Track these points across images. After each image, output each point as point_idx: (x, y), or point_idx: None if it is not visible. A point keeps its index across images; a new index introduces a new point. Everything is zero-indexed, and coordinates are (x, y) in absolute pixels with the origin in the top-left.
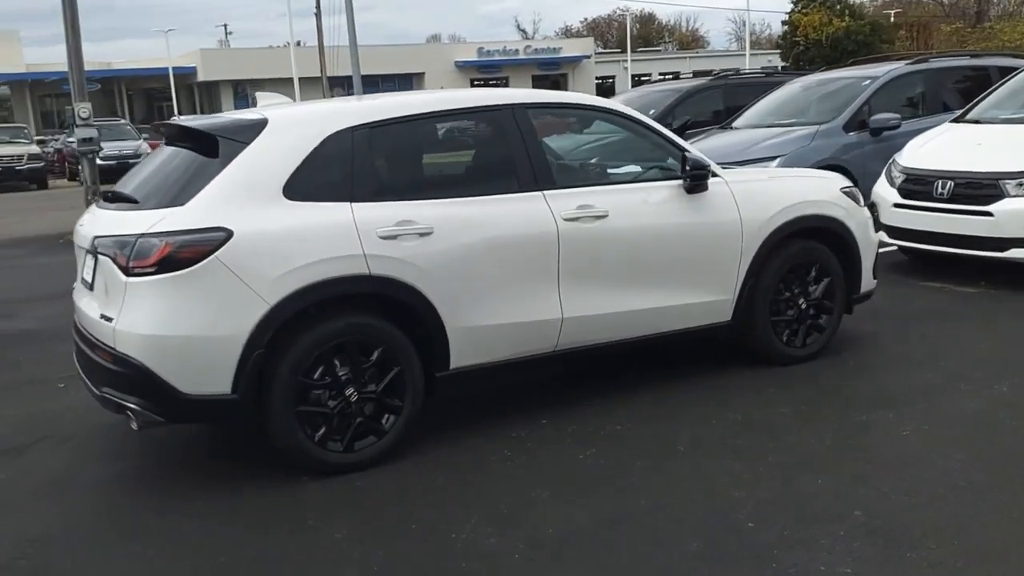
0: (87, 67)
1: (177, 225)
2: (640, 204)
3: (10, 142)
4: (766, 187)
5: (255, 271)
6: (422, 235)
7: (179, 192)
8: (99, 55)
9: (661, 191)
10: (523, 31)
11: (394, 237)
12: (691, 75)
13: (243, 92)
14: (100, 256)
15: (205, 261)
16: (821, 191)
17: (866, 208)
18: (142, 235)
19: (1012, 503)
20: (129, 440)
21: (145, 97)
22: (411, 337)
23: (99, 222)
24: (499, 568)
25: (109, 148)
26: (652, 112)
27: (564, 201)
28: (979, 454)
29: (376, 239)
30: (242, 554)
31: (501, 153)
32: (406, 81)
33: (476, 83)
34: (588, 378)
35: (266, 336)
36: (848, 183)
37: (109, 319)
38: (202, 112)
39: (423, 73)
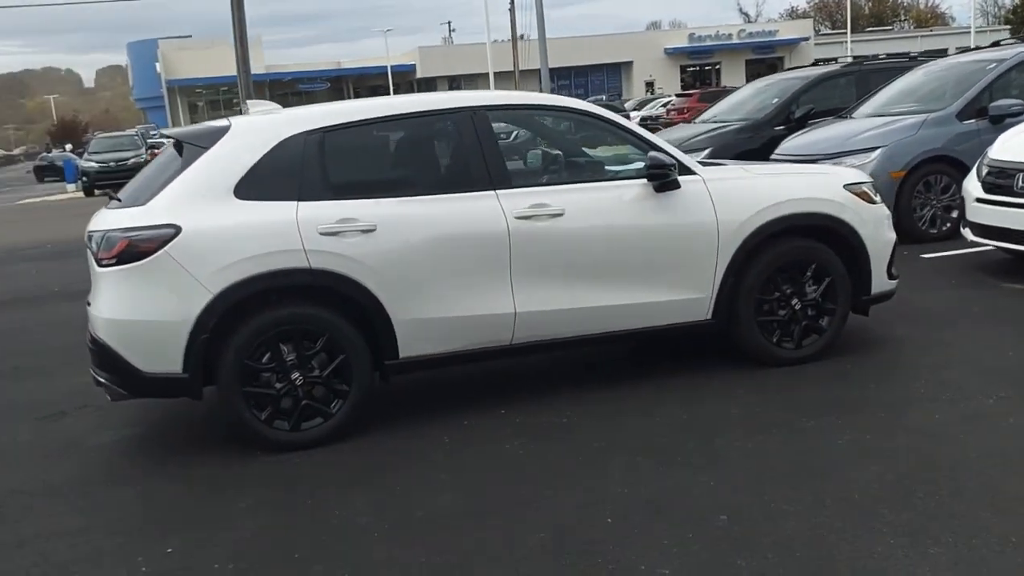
0: (320, 67)
1: (136, 222)
2: (600, 202)
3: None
4: (750, 184)
5: (200, 263)
6: (365, 232)
7: (147, 193)
8: (332, 55)
9: (626, 190)
10: (745, 14)
11: (336, 233)
12: (849, 61)
13: (457, 87)
14: (87, 249)
15: (157, 254)
16: (818, 188)
17: (882, 205)
18: (108, 231)
19: (882, 526)
20: (143, 410)
21: (370, 94)
22: (357, 327)
23: (94, 219)
24: (353, 545)
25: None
26: (776, 100)
27: (517, 200)
28: (898, 469)
29: (317, 235)
30: (170, 511)
31: (455, 154)
32: (613, 70)
33: (689, 69)
34: (571, 369)
35: (211, 322)
36: (856, 179)
37: (89, 304)
38: None
39: (631, 62)
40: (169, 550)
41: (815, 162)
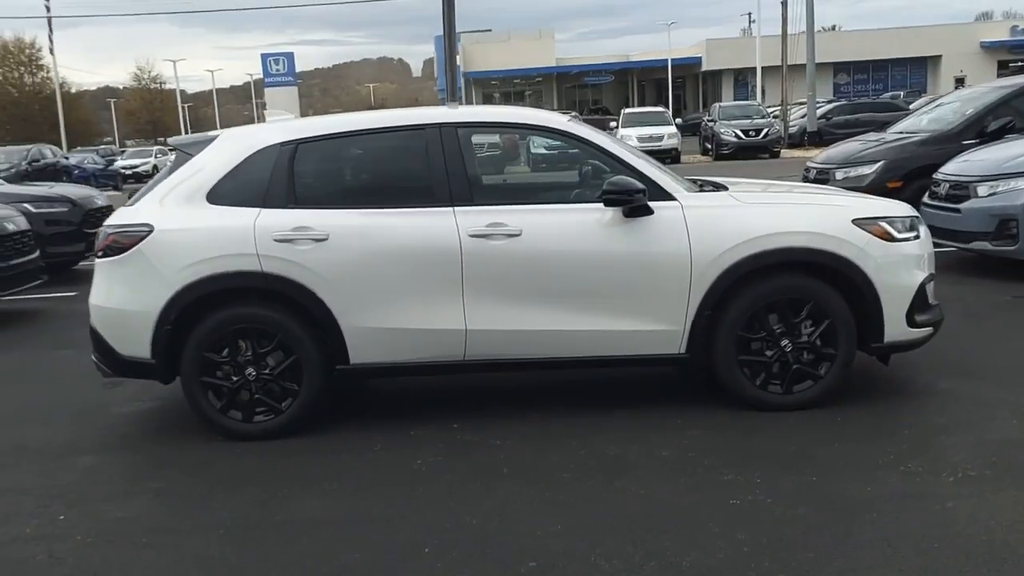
0: (605, 60)
1: (121, 220)
2: (561, 225)
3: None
4: (735, 214)
5: (166, 261)
6: (317, 240)
7: (142, 195)
8: (619, 48)
9: (592, 213)
10: None
11: (289, 240)
12: None
13: (743, 80)
14: None
15: (132, 250)
16: (815, 221)
17: (912, 243)
18: (104, 226)
19: None
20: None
21: (656, 87)
22: (309, 331)
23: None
24: (194, 539)
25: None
26: (969, 111)
27: (474, 218)
28: (757, 542)
29: (271, 242)
30: (137, 483)
31: (419, 169)
32: (918, 65)
33: (1009, 65)
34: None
35: (172, 315)
36: (873, 213)
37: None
38: (704, 100)
39: (939, 56)
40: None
41: (967, 185)
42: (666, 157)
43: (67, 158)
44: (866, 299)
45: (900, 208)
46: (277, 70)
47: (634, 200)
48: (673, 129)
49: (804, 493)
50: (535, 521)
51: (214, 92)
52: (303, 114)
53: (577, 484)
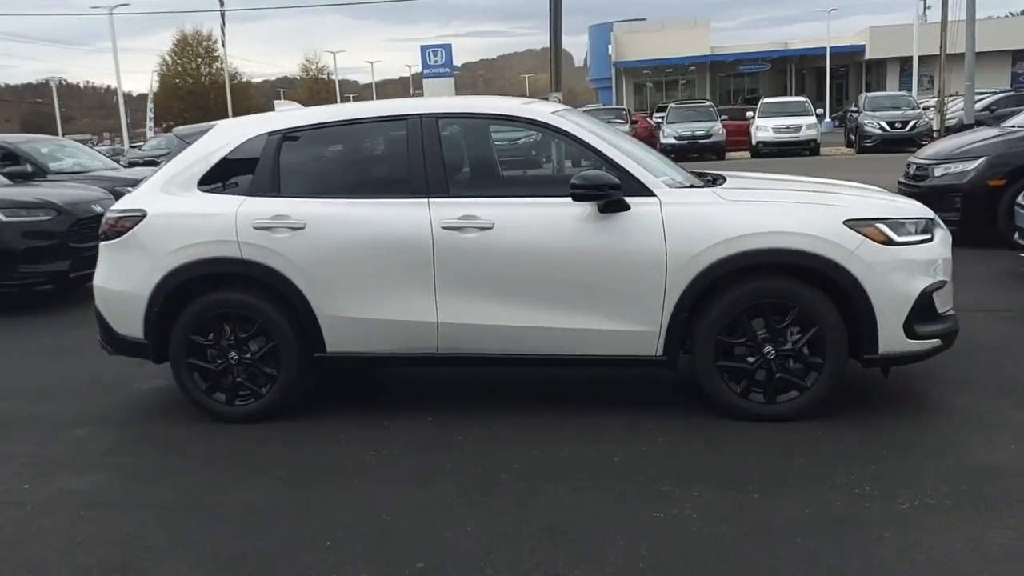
0: (766, 48)
1: (121, 205)
2: (534, 219)
3: (608, 122)
4: (717, 212)
5: (156, 245)
6: (294, 229)
7: (144, 182)
8: (779, 37)
9: (566, 207)
10: None
11: (268, 228)
12: None
13: (908, 70)
14: None
15: (127, 234)
16: (803, 221)
17: (907, 246)
18: (107, 211)
19: None
20: None
21: (815, 76)
22: (287, 317)
23: None
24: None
25: (681, 129)
26: None
27: (448, 210)
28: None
29: (251, 229)
30: (108, 457)
31: (398, 160)
32: None
33: None
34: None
35: (160, 298)
36: (868, 214)
37: None
38: (867, 89)
39: None
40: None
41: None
42: (804, 149)
43: None
44: (857, 306)
45: (911, 209)
46: (435, 61)
47: (604, 195)
48: (812, 120)
49: (735, 511)
50: (448, 522)
51: (373, 84)
52: None
53: (511, 486)
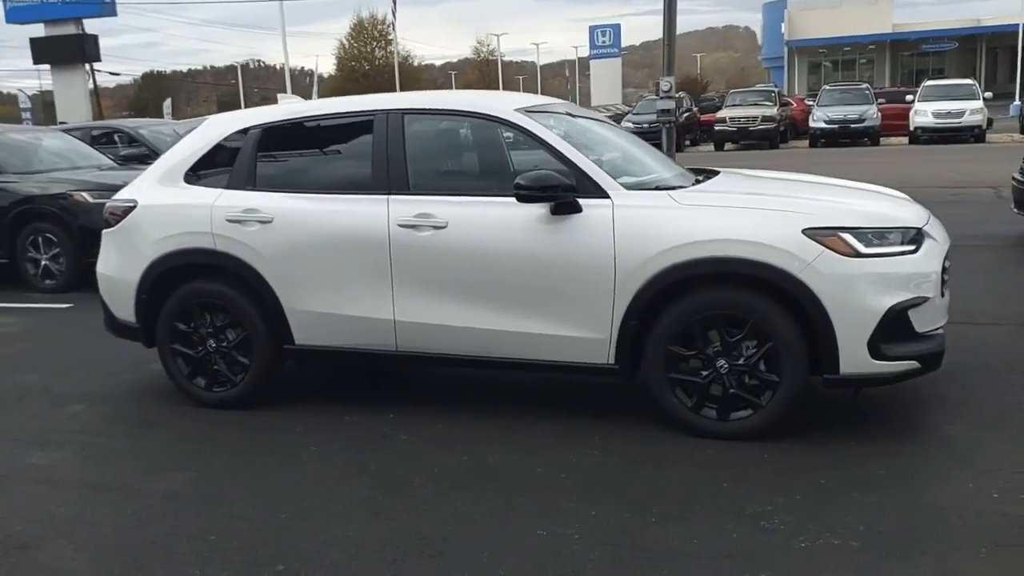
0: (955, 24)
1: (118, 196)
2: (487, 219)
3: (754, 104)
4: (670, 216)
5: (144, 234)
6: (263, 223)
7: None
8: (971, 12)
9: (520, 208)
10: None
11: (239, 221)
12: None
13: None
14: None
15: (121, 223)
16: (757, 229)
17: (875, 259)
18: (108, 201)
19: None
20: None
21: (1009, 55)
22: (258, 308)
23: None
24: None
25: (832, 113)
26: None
27: (406, 207)
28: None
29: (224, 221)
30: (82, 435)
31: (363, 156)
32: None
33: None
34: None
35: (148, 284)
36: (829, 222)
37: None
38: None
39: None
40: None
41: None
42: (968, 136)
43: None
44: (814, 322)
45: (894, 218)
46: (603, 42)
47: (550, 196)
48: (978, 104)
49: (620, 535)
50: (334, 524)
51: (538, 66)
52: (625, 86)
53: (417, 491)
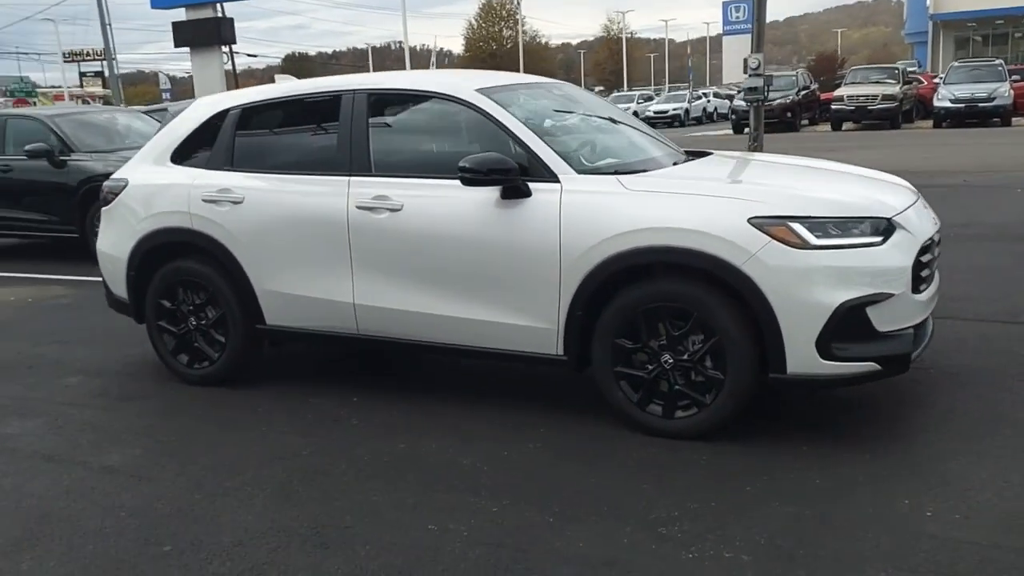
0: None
1: (114, 175)
2: (439, 202)
3: (876, 82)
4: (616, 203)
5: (133, 213)
6: (235, 203)
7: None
8: None
9: (472, 192)
10: None
11: (214, 201)
12: None
13: None
14: None
15: (115, 201)
16: (702, 217)
17: (827, 251)
18: (107, 180)
19: None
20: None
21: None
22: (231, 287)
23: None
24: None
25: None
26: None
27: (365, 189)
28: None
29: (200, 201)
30: (62, 405)
31: (330, 136)
32: None
33: None
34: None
35: (136, 261)
36: (779, 211)
37: None
38: None
39: None
40: None
41: None
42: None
43: None
44: (759, 317)
45: (858, 206)
46: (737, 17)
47: (494, 180)
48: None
49: (510, 534)
50: (239, 508)
51: (666, 42)
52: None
53: (335, 479)
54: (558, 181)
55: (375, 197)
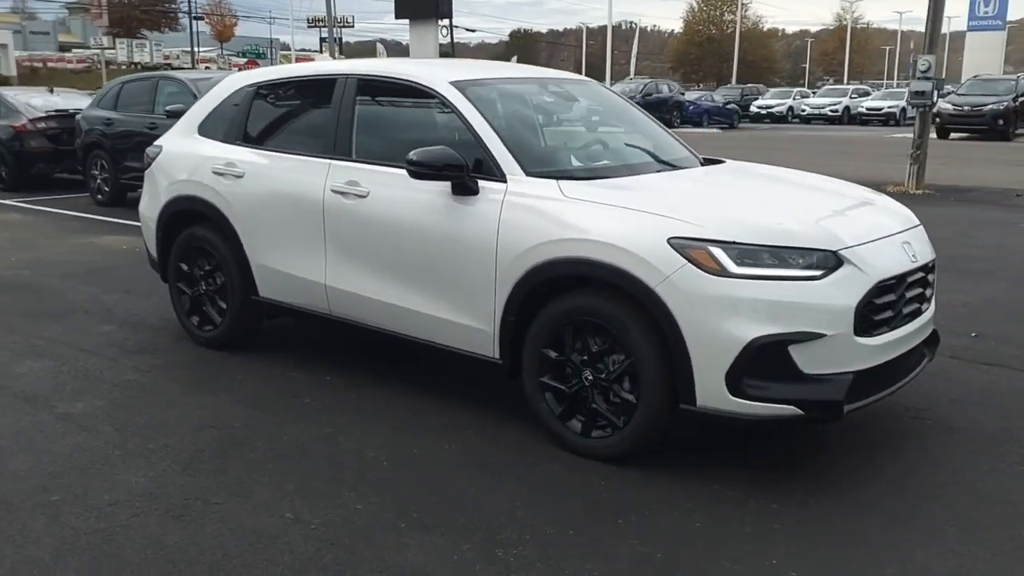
0: None
1: (156, 142)
2: (400, 192)
3: None
4: (549, 210)
5: (163, 179)
6: (237, 177)
7: None
8: None
9: (427, 184)
10: None
11: (221, 174)
12: None
13: None
14: None
15: (152, 166)
16: (623, 233)
17: (752, 281)
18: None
19: None
20: None
21: None
22: (232, 256)
23: None
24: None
25: None
26: None
27: (341, 173)
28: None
29: (210, 173)
30: (68, 351)
31: (322, 119)
32: None
33: None
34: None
35: (162, 223)
36: (701, 233)
37: None
38: None
39: None
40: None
41: None
42: None
43: (683, 94)
44: (670, 342)
45: (801, 234)
46: (985, 12)
47: (443, 175)
48: None
49: (356, 534)
50: (126, 473)
51: (898, 34)
52: (1007, 63)
53: (237, 457)
54: (506, 181)
55: (347, 182)
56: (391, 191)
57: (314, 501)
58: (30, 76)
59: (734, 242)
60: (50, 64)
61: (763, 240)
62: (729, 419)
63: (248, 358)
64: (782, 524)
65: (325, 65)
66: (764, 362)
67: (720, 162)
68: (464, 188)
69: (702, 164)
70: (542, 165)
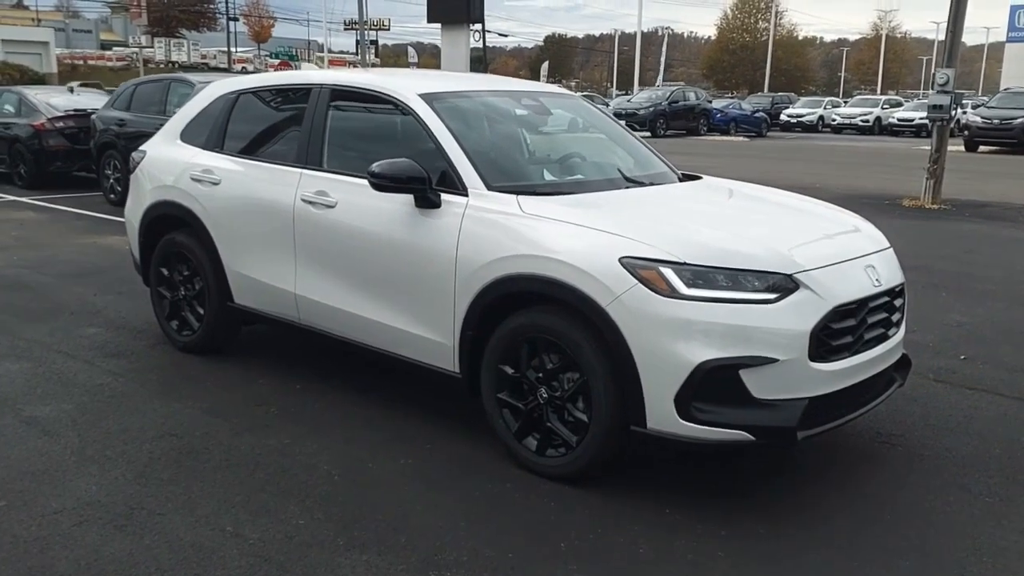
0: None
1: (141, 147)
2: (366, 204)
3: None
4: (507, 226)
5: (145, 183)
6: (214, 184)
7: None
8: None
9: (391, 196)
10: None
11: (199, 180)
12: None
13: None
14: None
15: (136, 170)
16: (575, 251)
17: (701, 303)
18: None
19: None
20: None
21: None
22: (209, 262)
23: None
24: None
25: None
26: None
27: (311, 183)
28: None
29: (188, 179)
30: (47, 349)
31: (296, 127)
32: None
33: None
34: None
35: (143, 228)
36: (652, 253)
37: None
38: None
39: None
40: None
41: None
42: None
43: (710, 101)
44: (619, 363)
45: (756, 256)
46: None
47: (404, 188)
48: None
49: (271, 546)
50: (76, 480)
51: (935, 44)
52: None
53: (191, 466)
54: (467, 195)
55: (316, 192)
56: (358, 201)
57: (257, 515)
58: (70, 73)
59: (686, 263)
60: (90, 62)
61: (716, 262)
62: (680, 443)
63: (223, 364)
64: (727, 551)
65: (303, 74)
66: (714, 386)
67: (698, 178)
68: (426, 201)
69: (680, 180)
70: (505, 180)
